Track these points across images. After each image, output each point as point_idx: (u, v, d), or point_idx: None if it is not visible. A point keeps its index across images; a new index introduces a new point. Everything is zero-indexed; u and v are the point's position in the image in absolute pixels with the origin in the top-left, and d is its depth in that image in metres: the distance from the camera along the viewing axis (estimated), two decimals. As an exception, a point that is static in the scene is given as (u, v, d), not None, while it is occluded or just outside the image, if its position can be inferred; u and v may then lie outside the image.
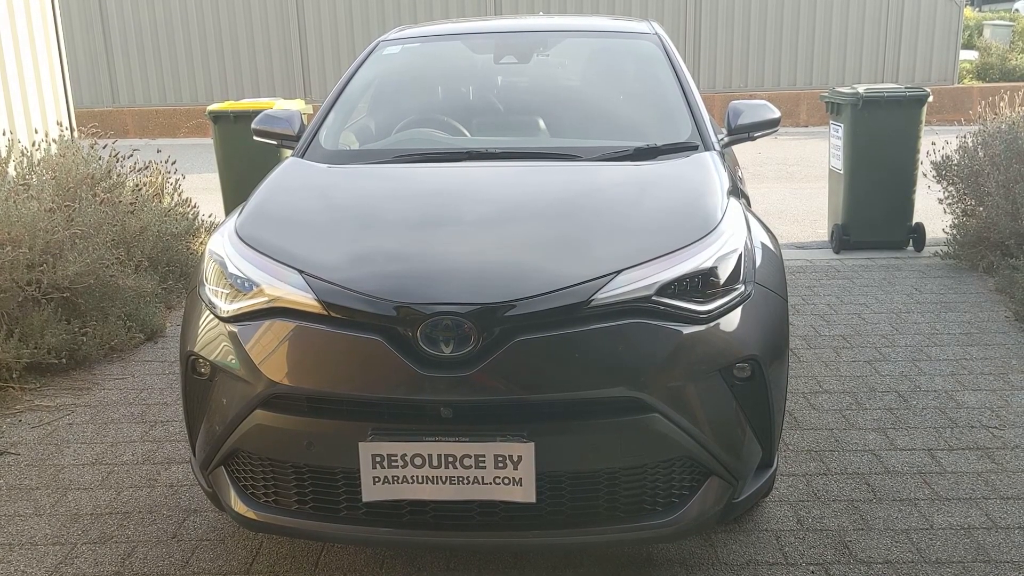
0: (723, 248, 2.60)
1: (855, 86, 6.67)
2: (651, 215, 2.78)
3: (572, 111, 3.76)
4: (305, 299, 2.45)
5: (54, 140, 5.70)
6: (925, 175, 6.64)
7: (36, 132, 5.79)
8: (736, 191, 3.15)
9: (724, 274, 2.54)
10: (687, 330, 2.42)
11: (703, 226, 2.68)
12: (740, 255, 2.61)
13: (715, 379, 2.46)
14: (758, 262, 2.73)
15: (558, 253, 2.55)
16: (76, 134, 6.34)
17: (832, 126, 6.91)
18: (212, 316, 2.62)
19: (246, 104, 6.68)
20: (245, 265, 2.63)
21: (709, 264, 2.53)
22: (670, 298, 2.44)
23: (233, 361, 2.50)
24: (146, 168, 6.32)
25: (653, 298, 2.41)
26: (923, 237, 6.63)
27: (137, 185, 5.78)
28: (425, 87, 4.04)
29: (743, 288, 2.57)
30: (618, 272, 2.43)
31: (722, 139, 3.56)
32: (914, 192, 6.61)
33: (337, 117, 3.72)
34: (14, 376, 4.30)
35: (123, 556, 2.97)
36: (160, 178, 6.62)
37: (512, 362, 2.31)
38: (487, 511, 2.41)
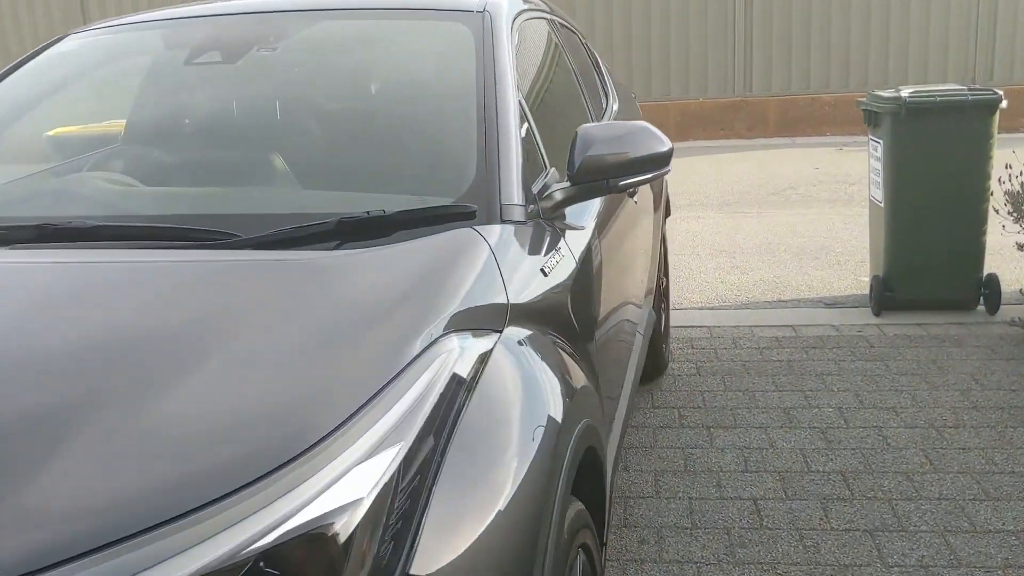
0: (322, 494, 1.02)
1: (899, 88, 4.88)
2: (234, 397, 1.20)
3: (278, 145, 2.13)
4: None
5: None
6: (997, 211, 4.77)
7: None
8: (533, 314, 1.53)
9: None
10: None
11: (299, 436, 1.09)
12: (359, 517, 1.02)
13: None
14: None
15: None
16: None
17: (871, 143, 5.14)
18: None
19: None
20: None
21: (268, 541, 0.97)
22: None
23: None
24: None
25: None
26: (998, 295, 4.77)
27: None
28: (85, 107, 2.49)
29: None
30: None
31: (551, 193, 1.94)
32: (984, 233, 4.76)
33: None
34: None
35: None
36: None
37: None
38: None
